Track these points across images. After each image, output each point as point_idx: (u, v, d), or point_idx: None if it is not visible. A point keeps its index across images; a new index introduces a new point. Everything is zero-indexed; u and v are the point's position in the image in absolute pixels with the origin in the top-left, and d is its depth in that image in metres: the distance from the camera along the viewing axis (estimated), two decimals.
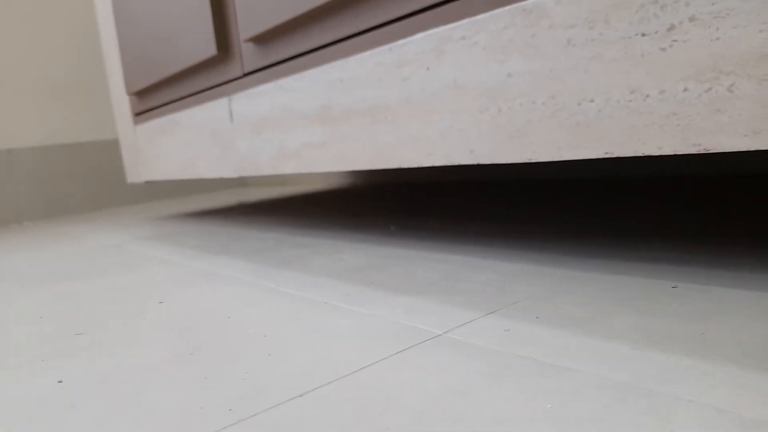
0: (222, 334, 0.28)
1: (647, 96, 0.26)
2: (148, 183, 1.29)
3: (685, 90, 0.25)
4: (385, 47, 0.39)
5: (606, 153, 0.29)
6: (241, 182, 1.49)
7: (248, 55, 0.54)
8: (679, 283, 0.28)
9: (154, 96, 0.75)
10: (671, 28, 0.25)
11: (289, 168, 0.52)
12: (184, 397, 0.21)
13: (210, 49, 0.57)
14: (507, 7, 0.31)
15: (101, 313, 0.35)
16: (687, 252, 0.33)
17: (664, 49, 0.26)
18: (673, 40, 0.25)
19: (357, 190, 0.98)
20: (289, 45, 0.49)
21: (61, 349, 0.29)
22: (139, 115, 0.81)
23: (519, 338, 0.23)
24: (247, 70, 0.55)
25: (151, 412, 0.20)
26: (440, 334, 0.25)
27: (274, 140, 0.53)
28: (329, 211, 0.73)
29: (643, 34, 0.26)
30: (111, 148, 1.22)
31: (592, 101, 0.29)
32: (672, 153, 0.26)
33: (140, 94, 0.79)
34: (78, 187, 1.18)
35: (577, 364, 0.20)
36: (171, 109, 0.72)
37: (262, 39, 0.52)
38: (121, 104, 0.86)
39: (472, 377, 0.20)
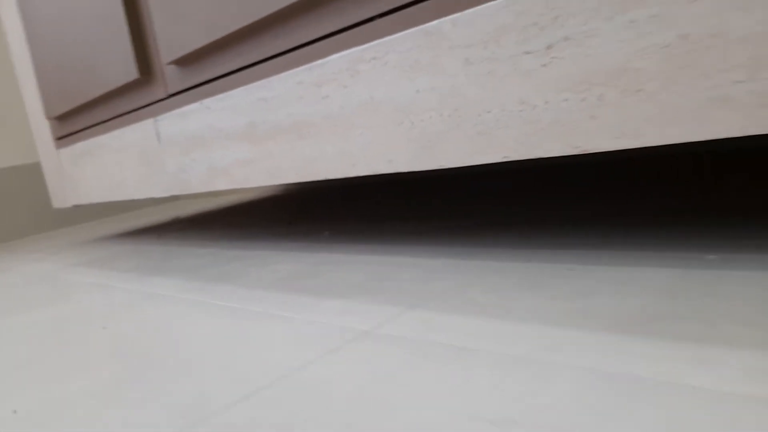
0: (168, 353, 0.30)
1: (535, 106, 0.30)
2: (77, 207, 1.26)
3: (565, 100, 0.29)
4: (305, 67, 0.42)
5: (504, 157, 0.32)
6: (173, 196, 1.47)
7: (171, 76, 0.56)
8: (574, 265, 0.32)
9: (77, 119, 0.74)
10: (550, 46, 0.29)
11: (220, 185, 0.53)
12: (138, 413, 0.23)
13: (132, 72, 0.58)
14: (411, 30, 0.35)
15: (45, 344, 0.36)
16: (584, 235, 0.38)
17: (545, 65, 0.29)
18: (552, 57, 0.29)
19: (290, 197, 1.00)
20: (212, 66, 0.51)
21: (9, 382, 0.30)
22: (62, 138, 0.80)
23: (435, 328, 0.26)
24: (171, 91, 0.56)
25: (109, 429, 0.22)
26: (368, 331, 0.28)
27: (203, 159, 0.54)
28: (263, 221, 0.75)
29: (527, 52, 0.30)
30: (34, 172, 1.18)
31: (489, 112, 0.32)
32: (558, 155, 0.30)
33: (61, 118, 0.78)
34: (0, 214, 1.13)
35: (481, 344, 0.23)
36: (96, 132, 0.71)
37: (185, 61, 0.53)
38: (41, 128, 0.84)
39: (395, 365, 0.23)
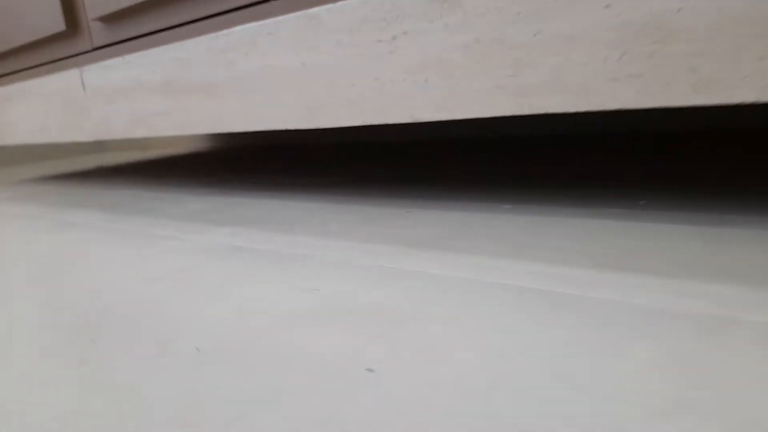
0: (82, 261, 0.38)
1: (385, 83, 0.39)
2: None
3: (404, 80, 0.38)
4: (214, 35, 0.49)
5: (364, 121, 0.41)
6: (100, 147, 1.49)
7: (97, 31, 0.61)
8: (412, 209, 0.42)
9: (3, 64, 0.78)
10: (394, 37, 0.38)
11: (139, 133, 0.60)
12: (53, 296, 0.31)
13: (59, 24, 0.63)
14: (298, 12, 0.43)
15: None
16: (429, 190, 0.47)
17: (391, 52, 0.38)
18: (396, 46, 0.38)
19: (216, 152, 1.06)
20: (135, 25, 0.57)
21: None
22: None
23: (294, 244, 0.35)
24: (96, 44, 0.62)
25: (25, 305, 0.30)
26: (243, 246, 0.36)
27: (125, 109, 0.60)
28: (185, 171, 0.81)
29: (379, 41, 0.38)
30: None
31: (355, 86, 0.41)
32: (400, 122, 0.39)
33: None
34: None
35: (317, 253, 0.33)
36: (22, 77, 0.75)
37: (110, 19, 0.59)
38: None
39: (254, 265, 0.32)
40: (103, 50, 0.61)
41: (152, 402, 0.18)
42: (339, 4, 0.40)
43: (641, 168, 0.48)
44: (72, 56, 0.66)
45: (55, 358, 0.23)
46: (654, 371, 0.17)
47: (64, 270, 0.36)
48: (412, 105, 0.38)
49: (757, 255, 0.26)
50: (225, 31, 0.48)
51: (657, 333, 0.19)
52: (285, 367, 0.20)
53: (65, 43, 0.66)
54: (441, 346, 0.20)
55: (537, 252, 0.29)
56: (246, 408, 0.17)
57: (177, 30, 0.53)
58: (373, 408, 0.17)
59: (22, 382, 0.21)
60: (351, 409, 0.17)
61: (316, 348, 0.21)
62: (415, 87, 0.38)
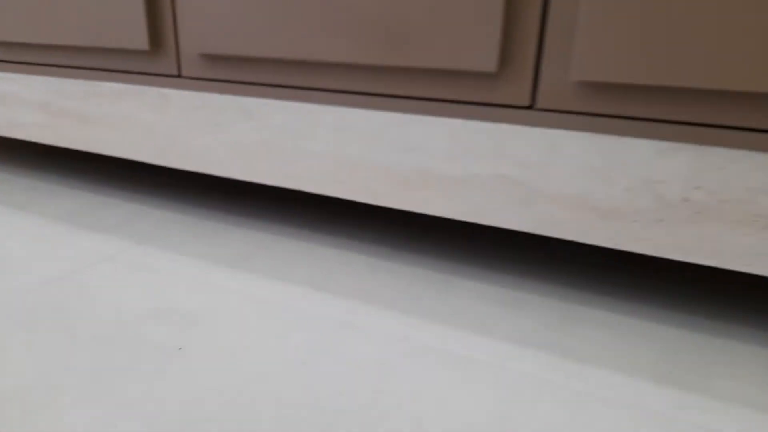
0: None
1: (211, 150, 0.60)
2: None
3: (225, 152, 0.59)
4: (89, 82, 0.66)
5: (197, 169, 0.62)
6: None
7: None
8: (233, 227, 0.64)
9: None
10: (217, 124, 0.59)
11: (18, 135, 0.75)
12: None
13: None
14: (155, 87, 0.61)
15: None
16: (272, 218, 0.70)
17: (214, 134, 0.59)
18: (217, 132, 0.59)
19: None
20: (21, 55, 0.71)
21: None
22: None
23: (149, 254, 0.56)
24: None
25: None
26: (113, 254, 0.57)
27: (6, 113, 0.74)
28: (58, 154, 0.95)
29: (207, 124, 0.59)
30: None
31: (191, 145, 0.61)
32: (222, 176, 0.61)
33: None
34: None
35: (163, 265, 0.54)
36: None
37: None
38: None
39: (124, 271, 0.53)
40: None
41: (78, 347, 0.40)
42: (183, 92, 0.60)
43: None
44: None
45: (18, 328, 0.43)
46: (299, 350, 0.42)
47: None
48: (229, 167, 0.60)
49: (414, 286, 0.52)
50: (98, 82, 0.65)
51: (308, 327, 0.44)
52: (131, 344, 0.42)
53: None
54: (221, 333, 0.44)
55: (288, 275, 0.54)
56: (112, 358, 0.40)
57: (58, 69, 0.68)
58: (183, 361, 0.40)
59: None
60: (175, 362, 0.40)
61: (153, 332, 0.44)
62: (231, 157, 0.59)
